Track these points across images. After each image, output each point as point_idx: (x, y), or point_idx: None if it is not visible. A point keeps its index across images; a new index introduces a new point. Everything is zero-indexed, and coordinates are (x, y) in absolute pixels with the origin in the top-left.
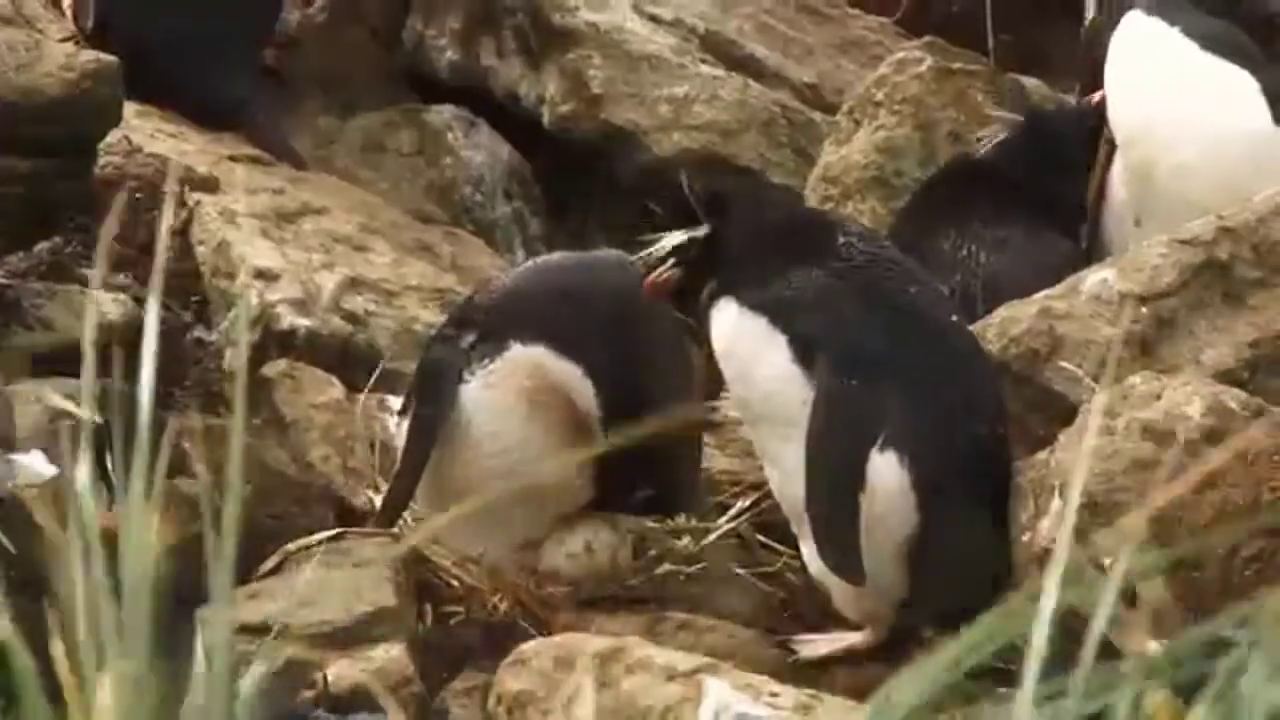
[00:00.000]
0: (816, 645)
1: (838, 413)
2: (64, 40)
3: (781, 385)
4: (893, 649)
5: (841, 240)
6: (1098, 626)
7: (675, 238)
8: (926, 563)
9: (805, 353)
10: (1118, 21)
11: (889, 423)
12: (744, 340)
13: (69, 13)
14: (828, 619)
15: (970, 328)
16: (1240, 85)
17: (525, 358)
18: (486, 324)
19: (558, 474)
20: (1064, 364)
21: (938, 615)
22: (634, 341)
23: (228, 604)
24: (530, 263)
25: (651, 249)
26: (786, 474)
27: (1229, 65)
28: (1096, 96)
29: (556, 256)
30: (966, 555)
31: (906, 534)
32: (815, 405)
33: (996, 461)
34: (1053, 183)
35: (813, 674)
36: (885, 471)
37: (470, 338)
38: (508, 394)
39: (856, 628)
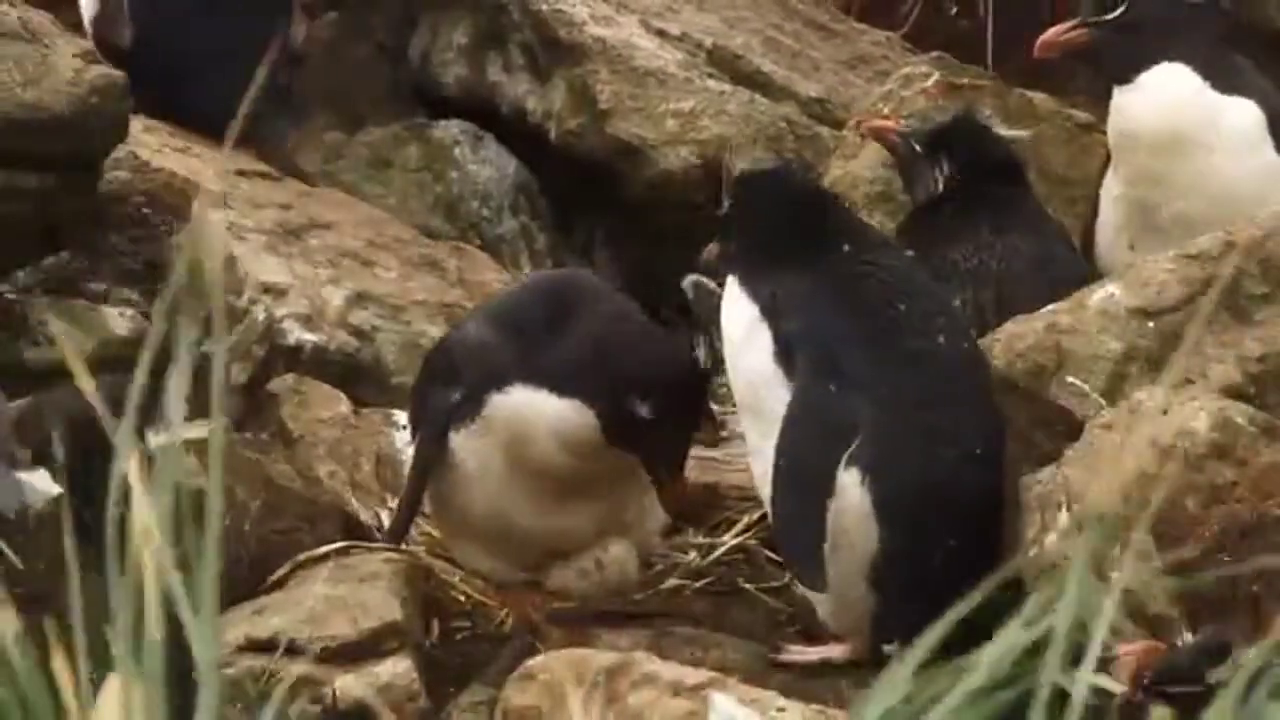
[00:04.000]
0: (802, 654)
1: (810, 418)
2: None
3: (763, 380)
4: (876, 663)
5: (846, 244)
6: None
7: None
8: (891, 582)
9: (787, 352)
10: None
11: (859, 435)
12: (737, 325)
13: (89, 29)
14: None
15: (977, 342)
16: (1247, 118)
17: (505, 408)
18: (468, 377)
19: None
20: (1071, 379)
21: (906, 632)
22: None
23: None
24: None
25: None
26: (765, 472)
27: (1235, 98)
28: None
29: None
30: (932, 576)
31: (870, 553)
32: (789, 407)
33: (975, 482)
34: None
35: (819, 689)
36: (849, 490)
37: (456, 394)
38: (492, 445)
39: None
